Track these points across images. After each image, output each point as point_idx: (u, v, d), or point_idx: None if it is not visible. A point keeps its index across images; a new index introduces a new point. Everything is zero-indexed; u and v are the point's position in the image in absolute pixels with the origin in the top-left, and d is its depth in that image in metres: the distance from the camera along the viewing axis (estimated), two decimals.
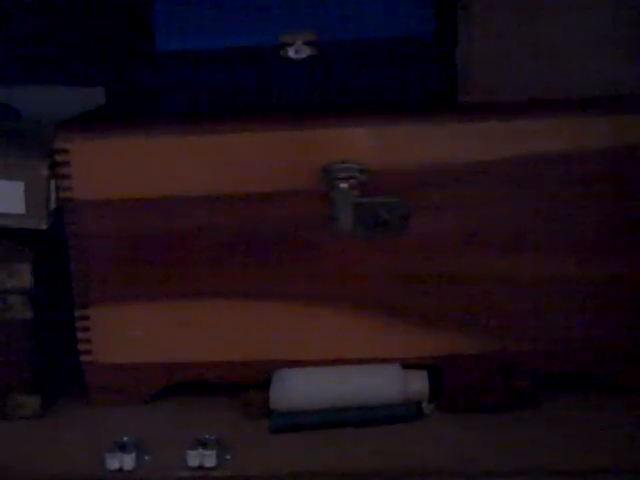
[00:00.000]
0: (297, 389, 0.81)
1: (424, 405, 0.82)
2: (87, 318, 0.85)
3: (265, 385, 0.83)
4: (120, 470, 0.75)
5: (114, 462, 0.75)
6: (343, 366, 0.83)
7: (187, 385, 0.87)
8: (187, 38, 0.88)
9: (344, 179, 0.79)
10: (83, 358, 0.86)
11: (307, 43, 0.87)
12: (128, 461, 0.75)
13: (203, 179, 0.82)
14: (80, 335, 0.85)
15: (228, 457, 0.76)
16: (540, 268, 0.81)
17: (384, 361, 0.83)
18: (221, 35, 0.88)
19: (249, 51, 0.88)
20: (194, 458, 0.75)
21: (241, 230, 0.82)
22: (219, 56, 0.88)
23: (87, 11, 1.10)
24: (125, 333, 0.85)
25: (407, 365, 0.83)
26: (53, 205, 0.83)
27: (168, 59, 0.88)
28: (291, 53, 0.86)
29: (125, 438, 0.77)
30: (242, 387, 0.85)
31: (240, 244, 0.83)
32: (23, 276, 0.82)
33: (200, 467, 0.75)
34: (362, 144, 0.80)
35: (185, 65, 0.88)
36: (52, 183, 0.82)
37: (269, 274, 0.83)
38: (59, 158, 0.82)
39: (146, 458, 0.77)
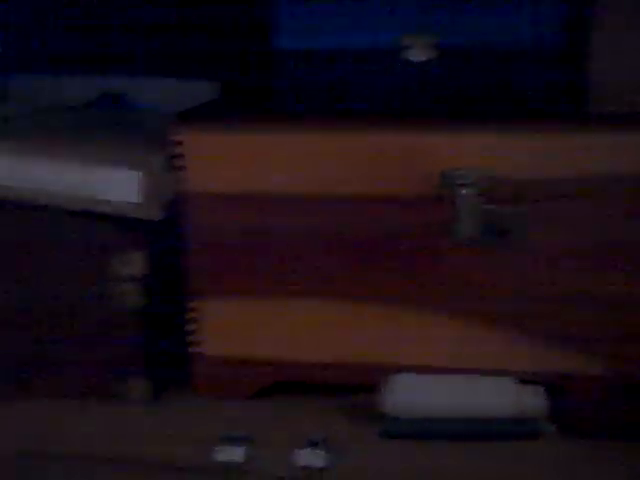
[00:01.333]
0: (410, 395, 0.79)
1: (543, 425, 0.78)
2: (197, 310, 0.85)
3: (372, 389, 0.81)
4: (228, 463, 0.75)
5: (223, 454, 0.75)
6: (456, 375, 0.81)
7: (294, 384, 0.86)
8: (307, 37, 0.86)
9: (466, 185, 0.77)
10: (192, 349, 0.86)
11: (428, 46, 0.84)
12: (237, 454, 0.75)
13: (317, 178, 0.81)
14: (190, 326, 0.85)
15: (336, 459, 0.75)
16: None
17: (500, 373, 0.80)
18: (341, 35, 0.86)
19: (369, 52, 0.86)
20: (303, 457, 0.74)
21: (356, 232, 0.81)
22: (338, 56, 0.86)
23: (207, 3, 1.10)
24: (235, 327, 0.85)
25: (524, 380, 0.80)
26: (168, 196, 0.83)
27: (286, 57, 0.87)
28: (412, 56, 0.84)
29: (235, 432, 0.77)
30: (349, 389, 0.84)
31: (353, 246, 0.81)
32: (136, 264, 0.82)
33: (308, 467, 0.74)
34: (484, 151, 0.77)
35: (303, 64, 0.87)
36: (167, 175, 0.82)
37: (382, 278, 0.81)
38: (174, 150, 0.82)
39: (255, 453, 0.76)
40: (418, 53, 0.84)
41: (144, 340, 0.85)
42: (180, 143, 0.82)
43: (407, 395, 0.79)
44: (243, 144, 0.81)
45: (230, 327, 0.85)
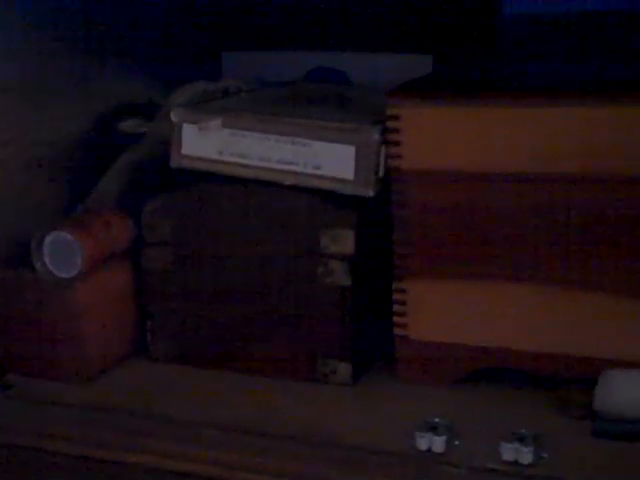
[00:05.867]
0: (626, 393, 0.74)
1: None
2: (404, 291, 0.83)
3: (585, 382, 0.76)
4: (429, 451, 0.72)
5: (424, 442, 0.73)
6: None
7: (500, 372, 0.82)
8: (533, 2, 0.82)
9: None
10: (396, 332, 0.84)
11: None
12: (438, 443, 0.72)
13: (538, 155, 0.76)
14: (396, 308, 0.83)
15: (545, 455, 0.71)
16: None
17: None
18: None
19: (596, 16, 0.81)
20: (509, 452, 0.70)
21: (575, 214, 0.76)
22: (568, 21, 0.81)
23: None
24: (441, 311, 0.82)
25: None
26: (381, 173, 0.81)
27: (512, 23, 0.82)
28: None
29: (436, 419, 0.74)
30: (559, 382, 0.79)
31: (571, 230, 0.76)
32: (346, 242, 0.81)
33: (515, 462, 0.70)
34: None
35: (530, 30, 0.82)
36: (382, 150, 0.80)
37: (601, 265, 0.76)
38: (390, 124, 0.80)
39: (456, 443, 0.73)
40: None
41: (350, 321, 0.83)
42: (397, 117, 0.79)
43: (619, 393, 0.74)
44: (460, 119, 0.78)
45: (437, 310, 0.82)
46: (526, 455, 0.70)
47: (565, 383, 0.79)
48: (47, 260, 0.84)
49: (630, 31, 0.81)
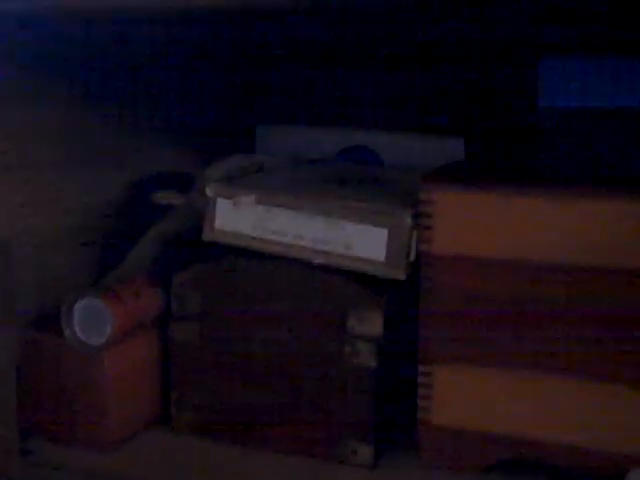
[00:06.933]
0: None
1: None
2: (429, 375, 0.83)
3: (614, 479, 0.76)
4: None
5: None
6: None
7: (526, 463, 0.81)
8: (568, 96, 0.83)
9: None
10: (420, 416, 0.83)
11: None
12: None
13: (559, 246, 0.76)
14: (421, 392, 0.83)
15: None
16: None
17: None
18: (604, 94, 0.83)
19: (627, 112, 0.82)
20: None
21: (595, 305, 0.76)
22: (599, 115, 0.83)
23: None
24: (466, 397, 0.81)
25: None
26: (412, 256, 0.82)
27: (549, 115, 0.84)
28: None
29: None
30: (588, 477, 0.78)
31: (593, 320, 0.76)
32: (374, 324, 0.81)
33: None
34: None
35: (565, 122, 0.84)
36: (414, 234, 0.81)
37: (623, 356, 0.76)
38: (423, 209, 0.81)
39: None
40: None
41: (374, 403, 0.83)
42: (429, 201, 0.80)
43: None
44: (495, 206, 0.79)
45: (461, 396, 0.82)
46: None
47: (595, 477, 0.78)
48: (76, 326, 0.85)
49: None
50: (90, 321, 0.85)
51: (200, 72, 1.18)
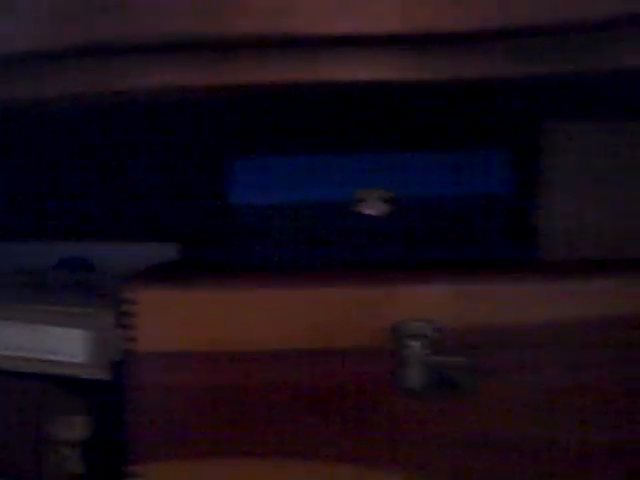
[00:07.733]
0: None
1: None
2: (139, 475, 0.81)
3: None
4: None
5: None
6: None
7: None
8: (261, 192, 0.87)
9: (415, 337, 0.76)
10: None
11: (382, 200, 0.86)
12: None
13: (266, 334, 0.79)
14: None
15: None
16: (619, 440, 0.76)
17: None
18: (295, 189, 0.88)
19: (323, 205, 0.88)
20: None
21: (303, 387, 0.79)
22: (293, 210, 0.87)
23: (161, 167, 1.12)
24: None
25: None
26: (116, 356, 0.81)
27: (240, 212, 0.88)
28: (365, 209, 0.85)
29: None
30: None
31: (304, 402, 0.79)
32: (78, 428, 0.79)
33: None
34: (435, 302, 0.77)
35: (259, 219, 0.88)
36: (116, 333, 0.81)
37: (335, 435, 0.79)
38: (127, 308, 0.81)
39: None
40: (371, 206, 0.84)
41: None
42: (132, 301, 0.81)
43: None
44: (197, 301, 0.81)
45: None
46: None
47: None
48: None
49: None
50: None
51: None
